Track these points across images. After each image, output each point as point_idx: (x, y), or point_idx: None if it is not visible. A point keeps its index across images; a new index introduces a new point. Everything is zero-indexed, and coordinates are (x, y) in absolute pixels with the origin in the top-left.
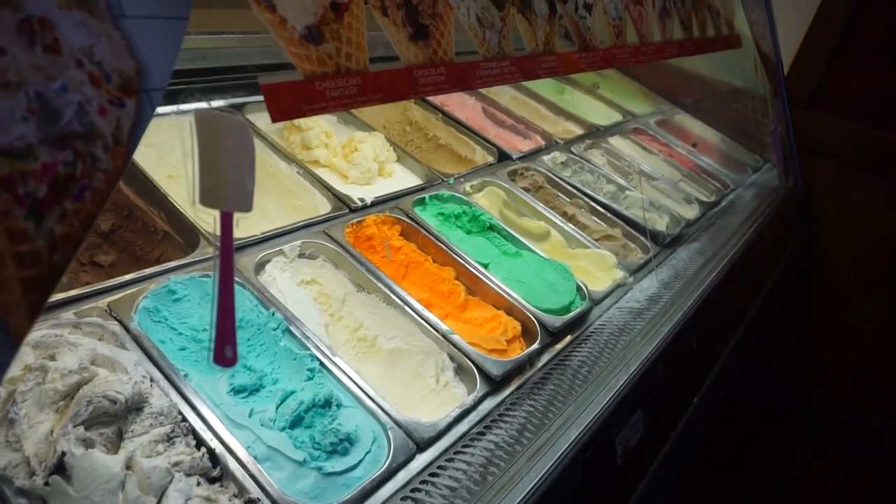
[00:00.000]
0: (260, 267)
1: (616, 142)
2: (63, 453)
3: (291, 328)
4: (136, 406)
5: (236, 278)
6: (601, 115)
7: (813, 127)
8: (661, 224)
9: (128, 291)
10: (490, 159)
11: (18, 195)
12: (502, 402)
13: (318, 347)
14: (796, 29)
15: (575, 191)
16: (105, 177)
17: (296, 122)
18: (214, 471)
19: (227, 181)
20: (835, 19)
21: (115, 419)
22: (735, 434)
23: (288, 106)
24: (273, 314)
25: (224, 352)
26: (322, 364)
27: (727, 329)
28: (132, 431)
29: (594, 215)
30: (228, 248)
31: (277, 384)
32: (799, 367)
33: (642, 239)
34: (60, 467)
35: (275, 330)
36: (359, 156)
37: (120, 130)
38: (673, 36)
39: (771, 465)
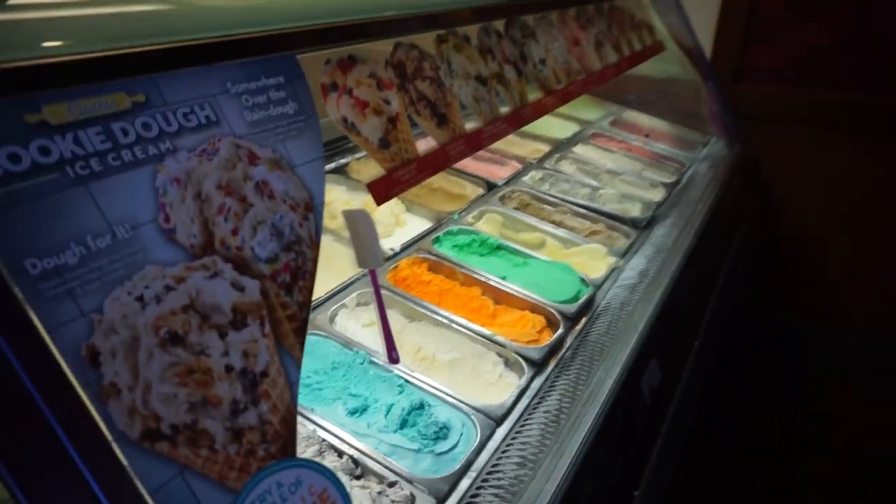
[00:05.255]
0: (332, 319)
1: (580, 150)
2: None
3: (373, 359)
4: None
5: (320, 332)
6: (561, 129)
7: (744, 97)
8: (635, 211)
9: None
10: (480, 191)
11: (278, 283)
12: (547, 378)
13: (397, 369)
14: (709, 19)
15: (557, 200)
16: (312, 263)
17: None
18: (357, 470)
19: (368, 249)
20: (738, 2)
21: None
22: (739, 374)
23: (382, 192)
24: (357, 353)
25: (392, 355)
26: (406, 380)
27: (709, 282)
28: None
29: (578, 217)
30: (378, 291)
31: (379, 401)
32: (782, 306)
33: (623, 227)
34: None
35: (361, 364)
36: (378, 214)
37: (311, 233)
38: (609, 60)
39: (775, 397)
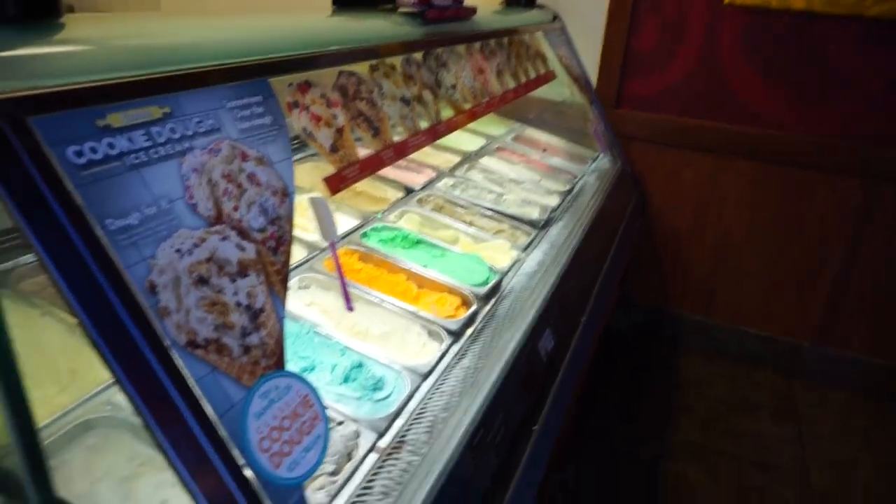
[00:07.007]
0: None
1: (486, 161)
2: None
3: (316, 329)
4: None
5: None
6: (470, 143)
7: (623, 121)
8: (534, 214)
9: None
10: (400, 195)
11: (267, 246)
12: (463, 344)
13: (337, 336)
14: (595, 54)
15: (468, 203)
16: (289, 234)
17: None
18: None
19: (328, 227)
20: (616, 45)
21: None
22: (622, 345)
23: (334, 185)
24: (303, 324)
25: (349, 305)
26: (346, 346)
27: (594, 271)
28: None
29: (486, 218)
30: (336, 256)
31: (324, 362)
32: (659, 291)
33: (524, 227)
34: None
35: (307, 333)
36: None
37: (288, 212)
38: (509, 86)
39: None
